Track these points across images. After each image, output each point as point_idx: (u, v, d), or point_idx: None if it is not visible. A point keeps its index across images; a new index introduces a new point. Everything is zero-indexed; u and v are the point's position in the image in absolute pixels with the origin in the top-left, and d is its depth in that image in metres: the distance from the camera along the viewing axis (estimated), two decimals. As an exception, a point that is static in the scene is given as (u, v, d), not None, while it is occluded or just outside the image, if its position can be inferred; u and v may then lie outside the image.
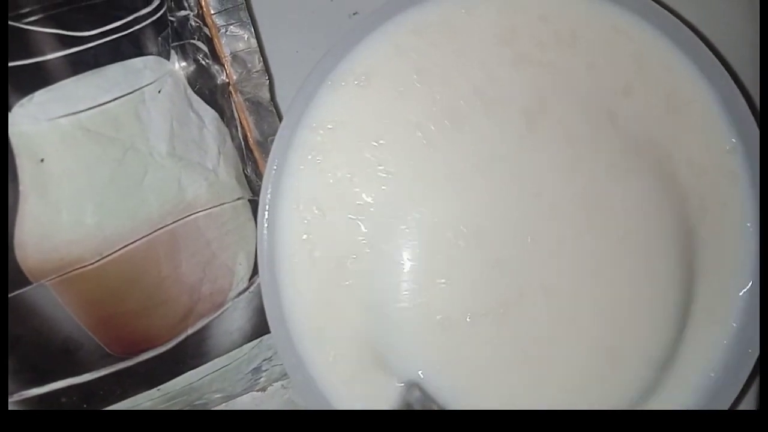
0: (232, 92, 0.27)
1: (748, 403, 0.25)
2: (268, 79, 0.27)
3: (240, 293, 0.26)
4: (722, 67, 0.26)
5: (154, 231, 0.23)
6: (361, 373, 0.24)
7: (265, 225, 0.23)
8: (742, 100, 0.25)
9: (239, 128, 0.27)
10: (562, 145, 0.25)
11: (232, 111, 0.27)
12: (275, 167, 0.23)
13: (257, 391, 0.29)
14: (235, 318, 0.26)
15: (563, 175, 0.25)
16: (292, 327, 0.23)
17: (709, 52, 0.26)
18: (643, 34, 0.26)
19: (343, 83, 0.24)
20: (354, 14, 0.30)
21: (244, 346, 0.26)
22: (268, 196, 0.23)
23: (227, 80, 0.26)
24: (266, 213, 0.23)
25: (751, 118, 0.26)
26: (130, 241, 0.23)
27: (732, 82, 0.26)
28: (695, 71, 0.26)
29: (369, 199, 0.24)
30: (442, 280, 0.24)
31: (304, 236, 0.24)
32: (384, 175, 0.24)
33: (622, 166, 0.25)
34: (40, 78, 0.22)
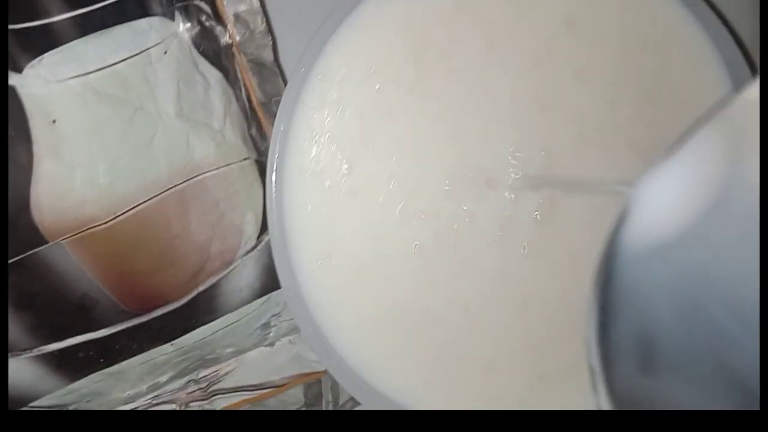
0: (236, 53, 0.27)
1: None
2: (272, 39, 0.27)
3: (249, 251, 0.27)
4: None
5: (164, 191, 0.24)
6: (370, 324, 0.25)
7: (274, 183, 0.24)
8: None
9: (243, 89, 0.27)
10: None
11: (236, 72, 0.27)
12: (282, 126, 0.24)
13: (265, 346, 0.30)
14: (245, 275, 0.27)
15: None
16: (302, 281, 0.24)
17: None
18: None
19: (347, 43, 0.24)
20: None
21: (254, 302, 0.27)
22: (276, 154, 0.24)
23: (230, 41, 0.27)
24: (274, 172, 0.24)
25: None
26: (141, 201, 0.23)
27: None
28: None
29: (374, 154, 0.25)
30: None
31: (312, 192, 0.24)
32: (390, 125, 0.24)
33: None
34: (48, 39, 0.22)
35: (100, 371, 0.25)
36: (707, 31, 0.25)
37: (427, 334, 0.24)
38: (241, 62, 0.27)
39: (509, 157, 0.25)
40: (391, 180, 0.25)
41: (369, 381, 0.24)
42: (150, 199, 0.24)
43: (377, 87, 0.25)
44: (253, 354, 0.30)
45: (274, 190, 0.24)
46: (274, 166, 0.24)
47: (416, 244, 0.25)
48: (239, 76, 0.27)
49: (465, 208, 0.25)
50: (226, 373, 0.29)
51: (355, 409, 0.28)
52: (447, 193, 0.25)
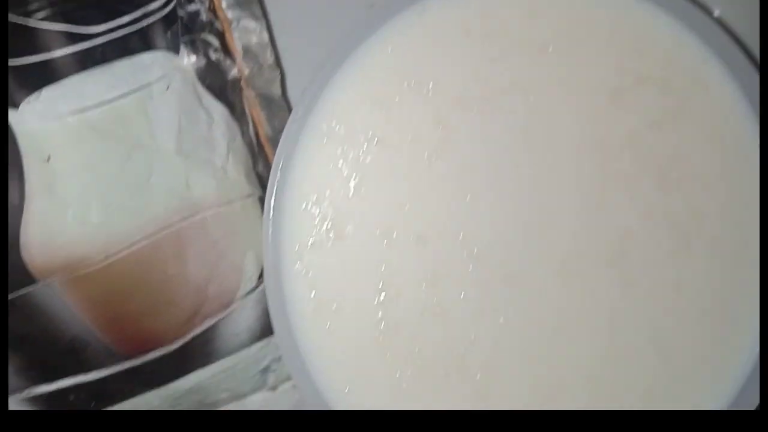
0: (244, 87, 0.26)
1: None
2: (280, 73, 0.27)
3: (249, 293, 0.26)
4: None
5: (161, 231, 0.23)
6: (365, 376, 0.23)
7: (270, 225, 0.23)
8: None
9: (251, 124, 0.26)
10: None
11: (243, 106, 0.26)
12: (281, 164, 0.23)
13: (268, 390, 0.29)
14: (244, 318, 0.26)
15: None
16: (297, 330, 0.23)
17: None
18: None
19: (353, 77, 0.23)
20: (371, 6, 0.29)
21: (253, 346, 0.26)
22: (274, 196, 0.23)
23: (238, 75, 0.26)
24: (271, 213, 0.23)
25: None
26: (136, 241, 0.23)
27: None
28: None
29: (379, 195, 0.23)
30: (451, 286, 0.23)
31: (311, 239, 0.23)
32: (392, 172, 0.23)
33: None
34: (47, 75, 0.21)
35: (92, 414, 0.24)
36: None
37: (428, 393, 0.23)
38: (249, 97, 0.26)
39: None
40: (400, 223, 0.24)
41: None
42: (146, 238, 0.23)
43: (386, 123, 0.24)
44: (255, 398, 0.28)
45: (270, 230, 0.23)
46: (272, 203, 0.23)
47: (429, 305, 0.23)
48: (246, 110, 0.26)
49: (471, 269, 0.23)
50: (227, 417, 0.28)
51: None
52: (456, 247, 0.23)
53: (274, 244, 0.23)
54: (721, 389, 0.23)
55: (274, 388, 0.29)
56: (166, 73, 0.23)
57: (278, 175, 0.23)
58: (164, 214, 0.23)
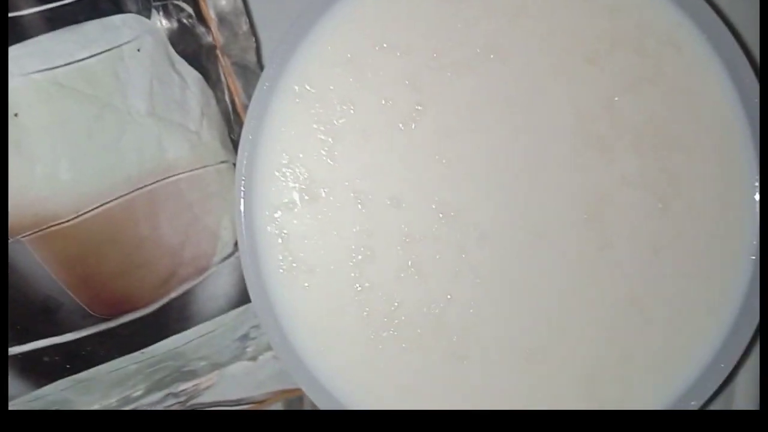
0: (219, 56, 0.26)
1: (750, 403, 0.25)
2: (255, 41, 0.27)
3: (225, 258, 0.26)
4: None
5: (133, 191, 0.23)
6: (342, 337, 0.23)
7: (242, 190, 0.23)
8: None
9: (227, 92, 0.27)
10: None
11: (219, 74, 0.26)
12: (253, 125, 0.23)
13: (248, 360, 0.29)
14: (221, 283, 0.26)
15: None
16: (271, 291, 0.23)
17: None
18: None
19: (325, 38, 0.24)
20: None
21: (230, 312, 0.26)
22: (245, 157, 0.23)
23: (213, 43, 0.26)
24: (243, 174, 0.23)
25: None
26: (108, 200, 0.23)
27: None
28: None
29: (353, 157, 0.23)
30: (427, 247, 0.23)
31: (284, 201, 0.23)
32: (366, 134, 0.23)
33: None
34: (15, 33, 0.21)
35: (67, 378, 0.24)
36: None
37: (405, 353, 0.23)
38: (225, 65, 0.27)
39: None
40: (374, 185, 0.24)
41: (339, 397, 0.23)
42: (117, 198, 0.23)
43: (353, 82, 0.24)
44: (235, 368, 0.28)
45: (242, 191, 0.23)
46: (243, 164, 0.23)
47: (409, 261, 0.23)
48: (222, 78, 0.26)
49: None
50: (207, 388, 0.28)
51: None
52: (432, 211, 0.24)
53: (247, 206, 0.23)
54: (700, 348, 0.23)
55: (254, 358, 0.29)
56: (137, 36, 0.24)
57: (249, 135, 0.23)
58: (137, 174, 0.23)
